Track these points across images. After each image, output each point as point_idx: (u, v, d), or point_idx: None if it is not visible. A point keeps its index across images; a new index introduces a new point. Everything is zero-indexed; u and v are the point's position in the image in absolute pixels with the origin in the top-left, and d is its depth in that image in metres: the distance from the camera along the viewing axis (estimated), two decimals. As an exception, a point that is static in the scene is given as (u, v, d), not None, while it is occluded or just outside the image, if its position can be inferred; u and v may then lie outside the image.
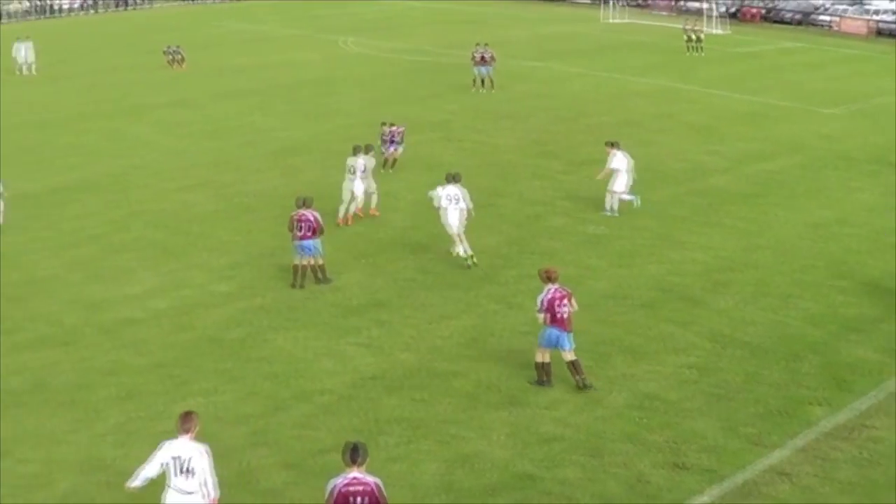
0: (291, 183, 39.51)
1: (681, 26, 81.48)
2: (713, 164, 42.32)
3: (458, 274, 30.11)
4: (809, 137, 47.54)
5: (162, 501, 16.13)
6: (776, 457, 20.23)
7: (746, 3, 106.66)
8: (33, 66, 70.65)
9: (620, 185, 35.48)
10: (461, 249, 30.68)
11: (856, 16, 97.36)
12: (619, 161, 35.29)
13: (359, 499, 14.93)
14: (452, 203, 30.53)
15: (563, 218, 35.17)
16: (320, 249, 29.16)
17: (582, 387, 22.72)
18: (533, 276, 28.18)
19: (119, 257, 32.09)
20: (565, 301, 22.43)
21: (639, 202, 35.64)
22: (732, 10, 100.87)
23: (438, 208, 30.84)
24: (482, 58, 58.44)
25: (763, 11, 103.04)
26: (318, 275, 29.40)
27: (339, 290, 29.05)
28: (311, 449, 20.65)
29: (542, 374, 23.02)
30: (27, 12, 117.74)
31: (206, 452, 16.11)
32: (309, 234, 28.59)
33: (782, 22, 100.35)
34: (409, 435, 21.18)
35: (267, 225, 34.20)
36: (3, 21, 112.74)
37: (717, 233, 33.69)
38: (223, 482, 19.43)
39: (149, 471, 16.12)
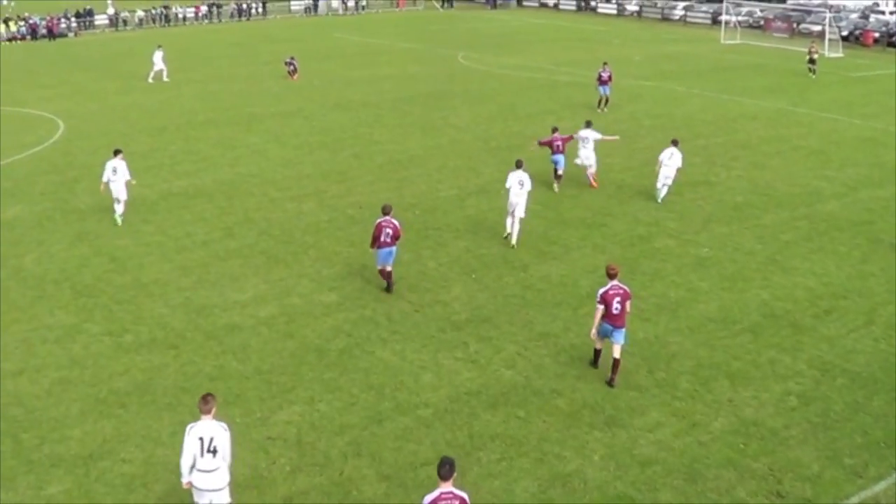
0: (400, 196, 39.73)
1: (798, 48, 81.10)
2: (825, 189, 41.73)
3: (562, 292, 30.04)
4: (925, 165, 46.77)
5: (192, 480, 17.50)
6: (876, 489, 19.94)
7: (864, 26, 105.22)
8: (151, 74, 72.59)
9: (660, 176, 39.15)
10: (509, 225, 34.48)
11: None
12: (663, 154, 39.09)
13: None
14: (517, 186, 33.71)
15: (671, 239, 34.92)
16: (394, 257, 29.89)
17: (609, 384, 24.11)
18: (640, 297, 28.57)
19: (227, 264, 32.50)
20: (618, 299, 23.71)
21: (659, 200, 39.67)
22: (845, 33, 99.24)
23: (508, 188, 33.93)
24: (607, 77, 58.41)
25: (880, 36, 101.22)
26: (391, 281, 30.19)
27: (443, 304, 29.15)
28: (408, 462, 20.76)
29: (595, 358, 24.97)
30: (144, 20, 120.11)
31: (226, 429, 17.57)
32: (392, 240, 29.23)
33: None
34: (507, 452, 21.20)
35: (374, 237, 34.48)
36: (127, 28, 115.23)
37: (826, 259, 33.21)
38: (319, 491, 19.77)
39: (188, 460, 17.34)
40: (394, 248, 29.48)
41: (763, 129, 54.32)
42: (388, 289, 29.96)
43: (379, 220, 29.17)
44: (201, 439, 17.20)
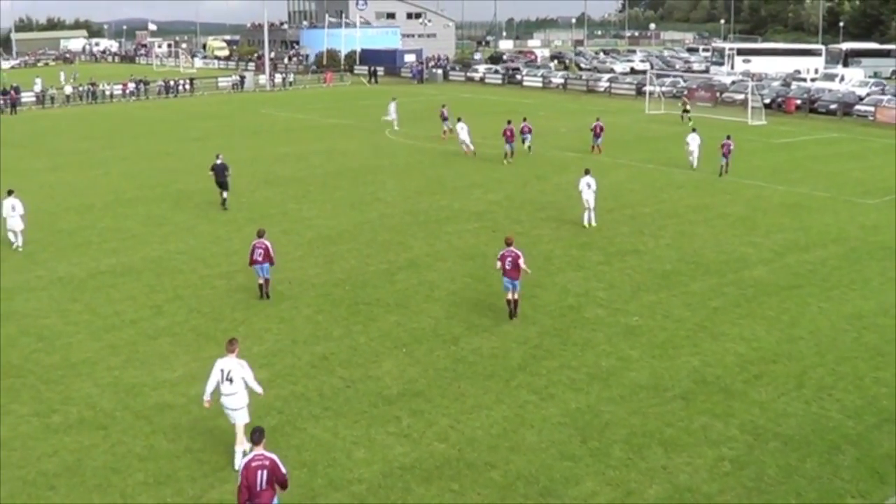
0: (330, 271, 39.75)
1: (722, 117, 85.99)
2: (752, 255, 42.16)
3: (493, 364, 30.02)
4: (849, 228, 47.37)
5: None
6: (812, 553, 20.01)
7: (786, 94, 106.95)
8: (395, 122, 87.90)
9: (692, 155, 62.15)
10: (587, 219, 47.60)
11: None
12: (690, 139, 63.20)
13: (260, 472, 18.42)
14: (586, 188, 47.01)
15: (601, 308, 35.07)
16: (268, 272, 36.13)
17: (511, 317, 33.67)
18: (572, 367, 28.77)
19: (157, 342, 32.22)
20: (510, 259, 32.72)
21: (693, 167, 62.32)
22: (768, 101, 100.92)
23: (581, 191, 47.31)
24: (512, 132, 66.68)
25: (802, 103, 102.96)
26: (266, 291, 36.35)
27: (375, 379, 29.01)
28: (342, 538, 20.55)
29: (509, 309, 33.94)
30: (72, 97, 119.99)
31: (243, 365, 23.39)
32: (263, 259, 35.60)
33: (823, 112, 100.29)
34: (442, 526, 21.06)
35: (305, 313, 34.34)
36: (54, 105, 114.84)
37: (755, 324, 33.48)
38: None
39: (211, 385, 23.32)
40: (266, 265, 35.75)
41: (689, 197, 54.93)
42: (265, 296, 36.23)
43: (254, 242, 35.95)
44: (222, 370, 23.13)
